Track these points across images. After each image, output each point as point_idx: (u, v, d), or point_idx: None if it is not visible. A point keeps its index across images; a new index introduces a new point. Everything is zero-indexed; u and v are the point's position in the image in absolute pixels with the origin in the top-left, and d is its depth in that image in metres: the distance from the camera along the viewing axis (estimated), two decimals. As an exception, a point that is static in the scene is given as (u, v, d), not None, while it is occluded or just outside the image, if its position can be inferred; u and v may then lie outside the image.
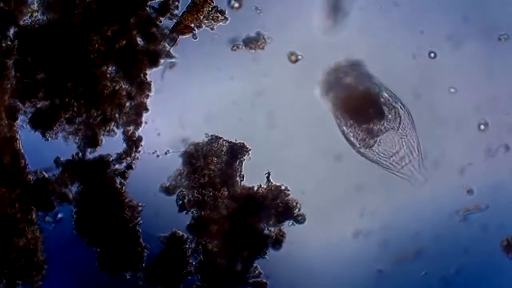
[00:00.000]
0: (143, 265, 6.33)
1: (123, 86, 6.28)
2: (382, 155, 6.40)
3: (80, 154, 6.28)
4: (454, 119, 6.47)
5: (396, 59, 6.44)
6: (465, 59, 6.44)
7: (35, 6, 6.20)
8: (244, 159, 6.36)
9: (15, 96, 6.20)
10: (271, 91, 6.41)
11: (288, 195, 6.38)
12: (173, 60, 6.35)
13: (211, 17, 6.32)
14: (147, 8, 6.29)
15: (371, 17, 6.44)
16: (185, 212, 6.36)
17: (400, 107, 6.40)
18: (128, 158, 6.31)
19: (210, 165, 6.34)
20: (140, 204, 6.31)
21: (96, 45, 6.21)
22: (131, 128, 6.31)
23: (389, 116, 6.37)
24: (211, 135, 6.36)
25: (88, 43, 6.20)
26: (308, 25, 6.39)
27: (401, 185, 6.47)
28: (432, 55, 6.44)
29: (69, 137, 6.26)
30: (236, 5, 6.35)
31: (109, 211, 6.26)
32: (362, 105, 6.40)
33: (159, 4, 6.31)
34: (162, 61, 6.34)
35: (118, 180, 6.30)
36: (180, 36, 6.35)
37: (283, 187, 6.38)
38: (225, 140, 6.36)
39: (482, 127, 6.47)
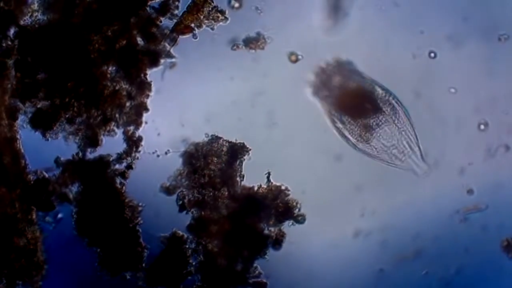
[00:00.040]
0: (143, 265, 6.33)
1: (123, 86, 6.28)
2: (382, 149, 6.40)
3: (80, 154, 6.28)
4: (454, 119, 6.47)
5: (396, 59, 6.44)
6: (465, 59, 6.44)
7: (35, 6, 6.20)
8: (244, 159, 6.37)
9: (16, 96, 6.20)
10: (271, 91, 6.42)
11: (288, 195, 6.39)
12: (173, 60, 6.36)
13: (211, 17, 6.32)
14: (147, 8, 6.29)
15: (371, 17, 6.45)
16: (185, 212, 6.36)
17: (395, 102, 6.39)
18: (128, 158, 6.32)
19: (210, 165, 6.34)
20: (140, 204, 6.31)
21: (96, 45, 6.21)
22: (131, 128, 6.31)
23: (385, 110, 6.38)
24: (211, 135, 6.36)
25: (88, 43, 6.20)
26: (308, 25, 6.39)
27: (401, 185, 6.47)
28: (432, 55, 6.44)
29: (69, 137, 6.26)
30: (236, 5, 6.36)
31: (109, 211, 6.26)
32: (356, 101, 6.40)
33: (159, 4, 6.31)
34: (162, 61, 6.34)
35: (118, 180, 6.30)
36: (180, 36, 6.35)
37: (283, 187, 6.39)
38: (225, 140, 6.36)
39: (482, 127, 6.47)
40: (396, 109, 6.40)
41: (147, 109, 6.32)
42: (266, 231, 6.39)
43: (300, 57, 6.42)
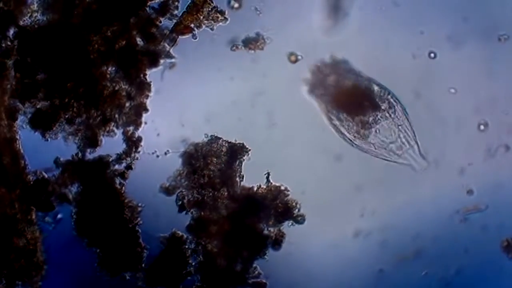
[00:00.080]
0: (143, 265, 6.33)
1: (123, 87, 6.28)
2: (380, 145, 6.39)
3: (80, 154, 6.28)
4: (454, 119, 6.47)
5: (396, 59, 6.44)
6: (465, 59, 6.44)
7: (34, 7, 6.20)
8: (243, 160, 6.36)
9: (15, 96, 6.20)
10: (270, 91, 6.41)
11: (288, 195, 6.38)
12: (173, 60, 6.36)
13: (211, 18, 6.31)
14: (147, 8, 6.29)
15: (371, 17, 6.45)
16: (184, 212, 6.36)
17: (392, 98, 6.39)
18: (128, 159, 6.32)
19: (210, 166, 6.34)
20: (139, 204, 6.31)
21: (96, 46, 6.21)
22: (131, 128, 6.31)
23: (382, 106, 6.37)
24: (211, 135, 6.36)
25: (88, 43, 6.20)
26: (307, 25, 6.39)
27: (401, 185, 6.47)
28: (432, 55, 6.44)
29: (69, 137, 6.26)
30: (236, 5, 6.35)
31: (108, 211, 6.26)
32: (353, 99, 6.40)
33: (159, 4, 6.31)
34: (162, 61, 6.34)
35: (117, 180, 6.30)
36: (180, 37, 6.35)
37: (282, 187, 6.38)
38: (225, 140, 6.36)
39: (482, 127, 6.46)
40: (393, 106, 6.39)
41: (146, 110, 6.32)
42: (265, 232, 6.39)
43: (299, 57, 6.41)
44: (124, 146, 6.32)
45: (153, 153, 6.33)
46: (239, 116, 6.41)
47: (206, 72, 6.36)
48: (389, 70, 6.45)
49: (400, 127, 6.39)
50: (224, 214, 6.35)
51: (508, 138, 6.48)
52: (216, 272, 6.36)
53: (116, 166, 6.30)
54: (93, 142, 6.27)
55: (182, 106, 6.35)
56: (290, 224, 6.40)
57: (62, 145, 6.27)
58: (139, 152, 6.32)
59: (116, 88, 6.26)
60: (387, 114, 6.38)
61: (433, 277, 6.48)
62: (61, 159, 6.29)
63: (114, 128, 6.29)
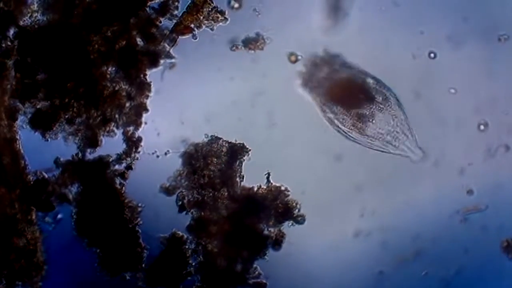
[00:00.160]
0: (143, 265, 6.33)
1: (123, 87, 6.28)
2: (375, 136, 6.39)
3: (80, 154, 6.28)
4: (454, 119, 6.47)
5: (396, 59, 6.44)
6: (465, 60, 6.43)
7: (35, 7, 6.20)
8: (244, 160, 6.36)
9: (15, 96, 6.20)
10: (271, 91, 6.41)
11: (288, 195, 6.38)
12: (173, 60, 6.35)
13: (211, 18, 6.31)
14: (147, 9, 6.28)
15: (371, 17, 6.44)
16: (185, 212, 6.36)
17: (386, 91, 6.39)
18: (128, 159, 6.32)
19: (210, 166, 6.34)
20: (139, 204, 6.31)
21: (96, 46, 6.21)
22: (131, 128, 6.31)
23: (378, 99, 6.37)
24: (211, 136, 6.36)
25: (88, 43, 6.20)
26: (307, 25, 6.39)
27: (401, 185, 6.47)
28: (432, 55, 6.44)
29: (69, 137, 6.26)
30: (236, 5, 6.35)
31: (108, 211, 6.26)
32: (348, 92, 6.40)
33: (159, 5, 6.31)
34: (162, 61, 6.34)
35: (117, 180, 6.30)
36: (180, 37, 6.35)
37: (283, 188, 6.38)
38: (225, 140, 6.36)
39: (482, 127, 6.46)
40: (388, 98, 6.39)
41: (146, 110, 6.32)
42: (265, 232, 6.38)
43: (299, 57, 6.41)
44: (124, 146, 6.32)
45: (153, 153, 6.33)
46: (239, 116, 6.41)
47: (206, 72, 6.36)
48: (389, 70, 6.45)
49: (395, 118, 6.39)
50: (224, 215, 6.35)
51: (508, 138, 6.49)
52: (216, 272, 6.36)
53: (116, 166, 6.30)
54: (93, 142, 6.27)
55: (182, 106, 6.36)
56: (290, 224, 6.40)
57: (62, 145, 6.27)
58: (139, 152, 6.32)
59: (116, 88, 6.26)
60: (382, 106, 6.38)
61: (433, 277, 6.48)
62: (61, 159, 6.29)
63: (114, 128, 6.29)
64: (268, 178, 6.38)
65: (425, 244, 6.44)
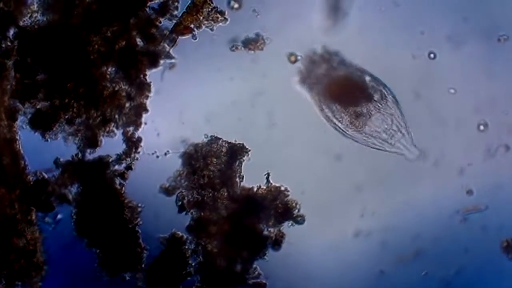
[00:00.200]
0: (143, 266, 6.34)
1: (123, 87, 6.28)
2: (372, 134, 6.38)
3: (80, 155, 6.28)
4: (454, 120, 6.46)
5: (396, 59, 6.43)
6: (465, 60, 6.43)
7: (34, 7, 6.20)
8: (243, 160, 6.36)
9: (15, 97, 6.20)
10: (270, 91, 6.41)
11: (288, 195, 6.38)
12: (172, 60, 6.36)
13: (210, 18, 6.31)
14: (147, 9, 6.28)
15: (371, 17, 6.44)
16: (184, 213, 6.36)
17: (384, 89, 6.39)
18: (128, 159, 6.32)
19: (210, 166, 6.34)
20: (139, 205, 6.31)
21: (96, 46, 6.21)
22: (131, 129, 6.31)
23: (375, 97, 6.37)
24: (211, 136, 6.36)
25: (87, 43, 6.20)
26: (307, 25, 6.39)
27: (401, 185, 6.47)
28: (432, 55, 6.44)
29: (68, 138, 6.27)
30: (236, 6, 6.35)
31: (108, 212, 6.26)
32: (346, 90, 6.39)
33: (158, 5, 6.31)
34: (161, 61, 6.34)
35: (117, 181, 6.30)
36: (179, 37, 6.35)
37: (282, 188, 6.38)
38: (225, 140, 6.36)
39: (481, 127, 6.46)
40: (385, 96, 6.38)
41: (146, 110, 6.32)
42: (265, 232, 6.38)
43: (299, 57, 6.41)
44: (124, 146, 6.32)
45: (153, 154, 6.33)
46: (239, 116, 6.41)
47: (206, 72, 6.36)
48: (389, 70, 6.45)
49: (392, 116, 6.38)
50: (224, 215, 6.35)
51: (508, 138, 6.48)
52: (216, 273, 6.36)
53: (116, 167, 6.30)
54: (93, 143, 6.27)
55: (182, 107, 6.36)
56: (290, 224, 6.40)
57: (62, 146, 6.27)
58: (139, 152, 6.33)
59: (116, 89, 6.27)
60: (379, 104, 6.38)
61: (433, 277, 6.48)
62: (61, 159, 6.29)
63: (114, 129, 6.29)
64: (267, 178, 6.38)
65: (425, 244, 6.43)
